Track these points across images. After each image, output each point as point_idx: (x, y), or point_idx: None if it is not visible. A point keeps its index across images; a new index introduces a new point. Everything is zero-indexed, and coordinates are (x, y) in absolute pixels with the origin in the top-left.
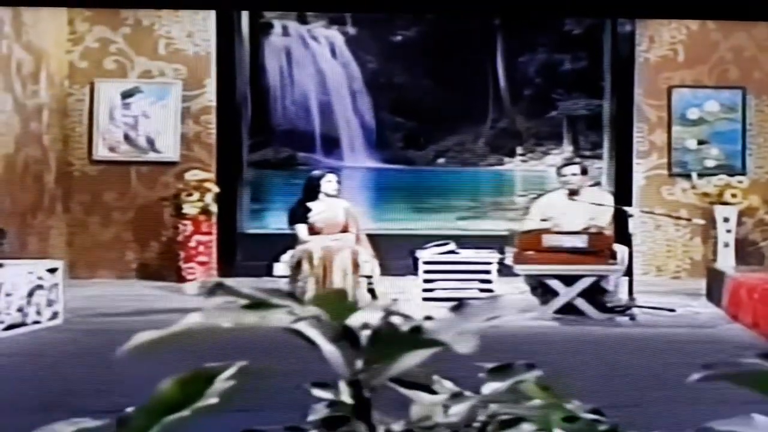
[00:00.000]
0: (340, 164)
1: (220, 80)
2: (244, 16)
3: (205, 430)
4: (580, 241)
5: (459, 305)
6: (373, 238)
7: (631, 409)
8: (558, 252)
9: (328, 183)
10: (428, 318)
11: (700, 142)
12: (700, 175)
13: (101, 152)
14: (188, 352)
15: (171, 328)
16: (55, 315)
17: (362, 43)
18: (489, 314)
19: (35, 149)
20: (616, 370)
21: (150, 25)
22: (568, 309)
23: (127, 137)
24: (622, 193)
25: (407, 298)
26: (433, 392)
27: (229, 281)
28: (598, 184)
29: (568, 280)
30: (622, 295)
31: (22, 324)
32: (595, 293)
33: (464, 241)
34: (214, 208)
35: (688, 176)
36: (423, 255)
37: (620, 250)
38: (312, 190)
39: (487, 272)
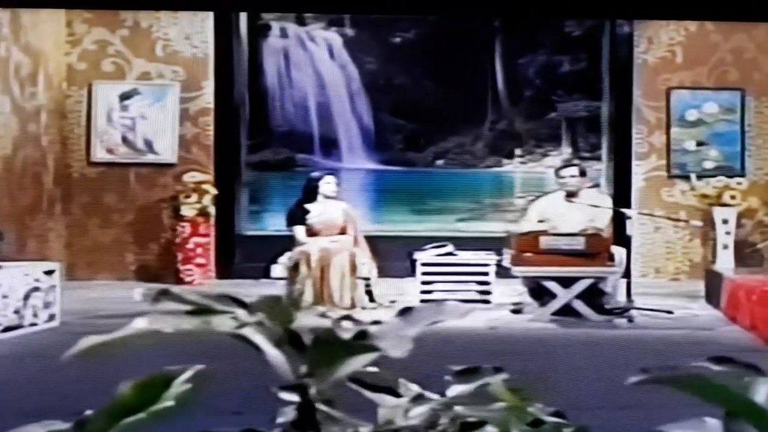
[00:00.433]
0: (339, 166)
1: (218, 82)
2: (242, 17)
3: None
4: (578, 243)
5: (405, 310)
6: (371, 240)
7: (623, 412)
8: (555, 254)
9: (327, 185)
10: (376, 323)
11: (699, 144)
12: (699, 177)
13: (99, 154)
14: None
15: (116, 333)
16: (52, 317)
17: (361, 44)
18: (433, 319)
19: (33, 151)
20: (612, 371)
21: (148, 27)
22: (566, 311)
23: (125, 139)
24: (622, 194)
25: (406, 299)
26: (398, 395)
27: (226, 283)
28: (597, 185)
29: (566, 282)
30: (621, 297)
31: (19, 326)
32: (593, 295)
33: (463, 243)
34: (212, 209)
35: (687, 178)
36: (421, 257)
37: (618, 252)
38: (310, 192)
39: (485, 274)
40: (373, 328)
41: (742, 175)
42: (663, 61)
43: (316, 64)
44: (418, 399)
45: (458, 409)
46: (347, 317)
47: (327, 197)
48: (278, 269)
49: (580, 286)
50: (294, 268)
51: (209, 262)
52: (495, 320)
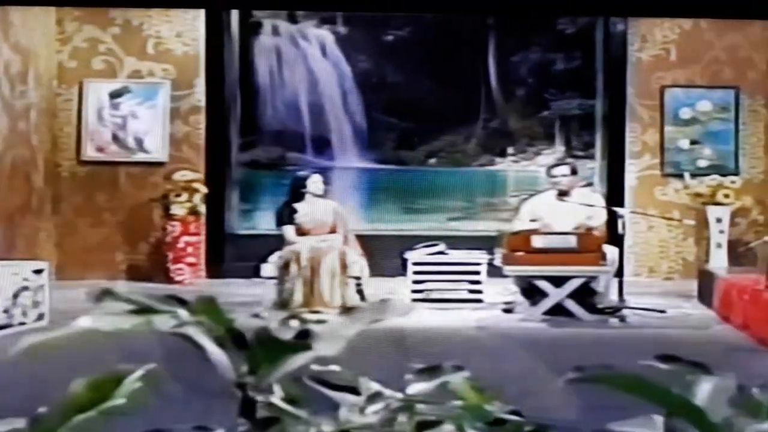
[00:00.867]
0: (331, 164)
1: (209, 80)
2: (234, 15)
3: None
4: (569, 242)
5: (347, 309)
6: (363, 239)
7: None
8: (547, 253)
9: (314, 183)
10: (320, 322)
11: (693, 142)
12: (693, 176)
13: (90, 153)
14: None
15: (57, 332)
16: (41, 316)
17: (353, 42)
18: (374, 317)
19: (23, 150)
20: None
21: (139, 24)
22: (558, 310)
23: (115, 138)
24: (615, 193)
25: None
26: (359, 394)
27: (217, 282)
28: (590, 184)
29: (558, 281)
30: (613, 297)
31: (8, 326)
32: (585, 294)
33: (455, 242)
34: (202, 208)
35: (680, 176)
36: (412, 256)
37: (610, 251)
38: (298, 191)
39: (477, 273)
40: (316, 328)
41: (736, 174)
42: (657, 59)
43: (308, 63)
44: (375, 397)
45: (416, 407)
46: (293, 316)
47: (315, 196)
48: (268, 268)
49: (571, 285)
50: (284, 268)
51: (200, 261)
52: (486, 319)
